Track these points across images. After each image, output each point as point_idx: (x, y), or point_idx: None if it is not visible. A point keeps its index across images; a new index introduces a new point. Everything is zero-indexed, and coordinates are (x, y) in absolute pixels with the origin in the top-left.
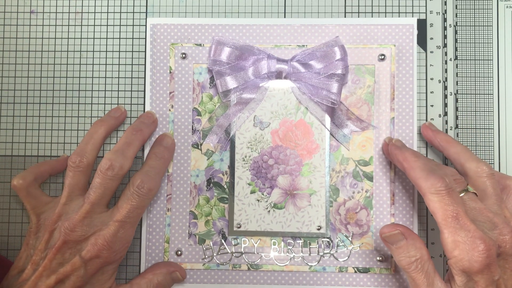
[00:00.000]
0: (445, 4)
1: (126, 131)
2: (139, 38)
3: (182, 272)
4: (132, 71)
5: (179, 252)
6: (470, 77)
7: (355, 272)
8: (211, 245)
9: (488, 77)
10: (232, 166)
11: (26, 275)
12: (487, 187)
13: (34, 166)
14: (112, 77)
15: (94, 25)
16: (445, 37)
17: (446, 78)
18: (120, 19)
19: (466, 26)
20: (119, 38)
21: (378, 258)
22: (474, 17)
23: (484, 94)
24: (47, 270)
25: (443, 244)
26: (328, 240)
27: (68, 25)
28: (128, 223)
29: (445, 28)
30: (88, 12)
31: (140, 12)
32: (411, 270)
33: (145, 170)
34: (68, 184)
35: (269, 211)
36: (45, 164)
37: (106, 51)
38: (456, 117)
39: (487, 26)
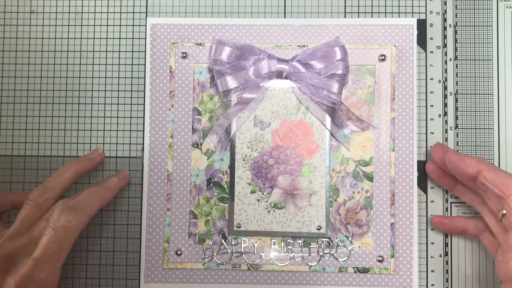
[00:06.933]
0: (445, 4)
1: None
2: (139, 38)
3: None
4: (132, 71)
5: (179, 252)
6: (470, 77)
7: (355, 272)
8: (211, 245)
9: (488, 77)
10: (232, 166)
11: None
12: None
13: None
14: (112, 77)
15: (94, 25)
16: (445, 37)
17: (446, 78)
18: (120, 19)
19: (466, 26)
20: (119, 38)
21: (378, 258)
22: (474, 17)
23: (484, 94)
24: None
25: None
26: (328, 240)
27: (68, 25)
28: (44, 262)
29: (445, 28)
30: (88, 12)
31: (140, 12)
32: None
33: (70, 202)
34: (21, 217)
35: (269, 211)
36: (11, 195)
37: (106, 51)
38: (456, 117)
39: (487, 26)
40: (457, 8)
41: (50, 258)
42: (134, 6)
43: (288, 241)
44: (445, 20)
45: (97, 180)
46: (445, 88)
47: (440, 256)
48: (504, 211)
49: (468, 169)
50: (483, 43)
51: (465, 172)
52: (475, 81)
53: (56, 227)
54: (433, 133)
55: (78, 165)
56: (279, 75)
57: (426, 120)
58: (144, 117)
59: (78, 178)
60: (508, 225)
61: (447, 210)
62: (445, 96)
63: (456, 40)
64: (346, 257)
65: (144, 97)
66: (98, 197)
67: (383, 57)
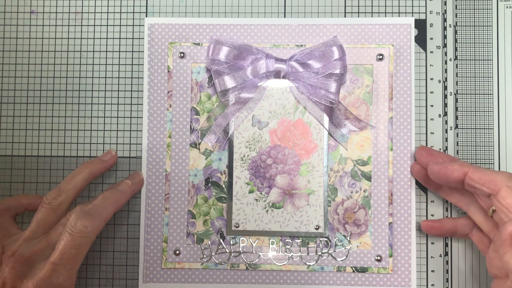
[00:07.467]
0: (445, 4)
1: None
2: (138, 38)
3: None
4: (132, 71)
5: (177, 252)
6: (470, 77)
7: (353, 271)
8: (209, 244)
9: (488, 77)
10: (230, 166)
11: None
12: None
13: (12, 197)
14: (112, 77)
15: (94, 25)
16: (445, 37)
17: (446, 78)
18: (120, 19)
19: (466, 26)
20: (119, 38)
21: (376, 258)
22: (474, 17)
23: (484, 94)
24: None
25: None
26: (326, 239)
27: (68, 25)
28: (61, 266)
29: (445, 28)
30: (88, 12)
31: (140, 12)
32: None
33: (86, 207)
34: (36, 220)
35: (267, 210)
36: (24, 198)
37: (106, 51)
38: (456, 117)
39: (487, 26)
40: (457, 8)
41: (67, 262)
42: (134, 6)
43: (286, 240)
44: (445, 20)
45: (112, 184)
46: (445, 88)
47: (440, 256)
48: (494, 207)
49: (454, 174)
50: (483, 43)
51: (451, 179)
52: (475, 81)
53: (73, 232)
54: (433, 133)
55: (91, 167)
56: (277, 74)
57: (426, 120)
58: (142, 117)
59: (92, 180)
60: (499, 221)
61: (447, 210)
62: (445, 96)
63: (456, 40)
64: (344, 257)
65: (143, 97)
66: (112, 201)
67: (381, 57)
